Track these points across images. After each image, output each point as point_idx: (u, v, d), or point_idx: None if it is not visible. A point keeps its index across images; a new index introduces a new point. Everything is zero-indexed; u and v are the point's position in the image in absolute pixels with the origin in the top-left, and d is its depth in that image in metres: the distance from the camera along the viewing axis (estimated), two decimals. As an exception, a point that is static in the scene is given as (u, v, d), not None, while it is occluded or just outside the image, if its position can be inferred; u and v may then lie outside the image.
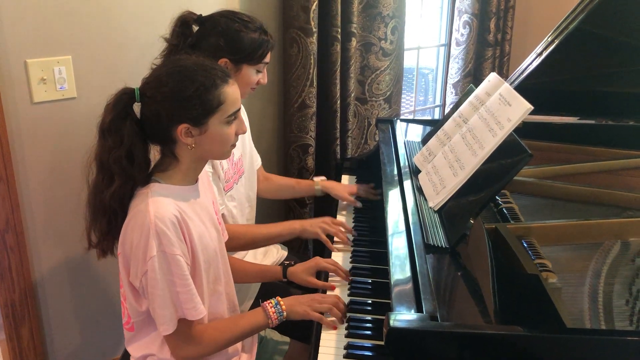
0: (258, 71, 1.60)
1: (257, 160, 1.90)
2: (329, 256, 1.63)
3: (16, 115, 1.69)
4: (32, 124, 1.73)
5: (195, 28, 1.57)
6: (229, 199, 1.67)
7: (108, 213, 1.21)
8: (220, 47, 1.52)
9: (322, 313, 1.33)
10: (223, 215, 1.62)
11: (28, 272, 1.80)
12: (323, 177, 1.98)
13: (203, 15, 1.57)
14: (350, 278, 1.50)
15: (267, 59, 1.60)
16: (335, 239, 1.68)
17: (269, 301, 1.32)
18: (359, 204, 1.88)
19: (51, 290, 1.89)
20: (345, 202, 1.92)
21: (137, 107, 1.21)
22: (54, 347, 1.95)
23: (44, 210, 1.82)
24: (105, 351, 2.08)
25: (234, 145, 1.28)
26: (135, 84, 1.22)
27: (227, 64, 1.53)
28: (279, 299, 1.32)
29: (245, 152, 1.82)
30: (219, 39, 1.52)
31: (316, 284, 1.48)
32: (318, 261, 1.51)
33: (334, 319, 1.32)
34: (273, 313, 1.30)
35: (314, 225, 1.66)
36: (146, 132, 1.21)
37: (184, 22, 1.54)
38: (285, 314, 1.31)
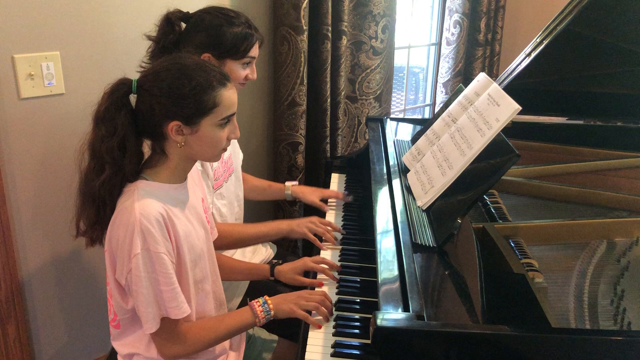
0: (245, 66, 1.59)
1: (241, 158, 1.90)
2: (318, 253, 1.64)
3: (3, 111, 1.68)
4: (19, 119, 1.71)
5: (183, 25, 1.57)
6: (218, 197, 1.67)
7: (97, 202, 1.20)
8: (203, 43, 1.51)
9: (309, 312, 1.33)
10: (212, 214, 1.62)
11: (15, 269, 1.79)
12: (295, 182, 1.99)
13: (190, 12, 1.57)
14: (339, 277, 1.50)
15: (253, 53, 1.58)
16: (324, 237, 1.68)
17: (256, 300, 1.32)
18: (326, 208, 1.88)
19: (38, 288, 1.88)
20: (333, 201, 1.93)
21: (132, 99, 1.21)
22: (41, 345, 1.94)
23: (32, 207, 1.81)
24: (92, 349, 2.07)
25: (224, 149, 1.27)
26: (124, 80, 1.22)
27: (210, 59, 1.52)
28: (267, 297, 1.33)
29: (235, 150, 1.82)
30: (201, 34, 1.52)
31: (303, 282, 1.48)
32: (306, 261, 1.51)
33: (320, 317, 1.32)
34: (261, 312, 1.30)
35: (301, 225, 1.66)
36: (138, 124, 1.20)
37: (168, 19, 1.54)
38: (272, 312, 1.31)
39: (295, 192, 1.94)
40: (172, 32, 1.54)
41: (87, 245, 1.28)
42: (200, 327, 1.27)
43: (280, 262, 1.53)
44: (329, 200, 1.94)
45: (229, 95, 1.21)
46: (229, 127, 1.24)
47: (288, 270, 1.50)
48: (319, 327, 1.30)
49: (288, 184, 1.97)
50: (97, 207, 1.21)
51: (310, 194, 1.92)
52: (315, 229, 1.66)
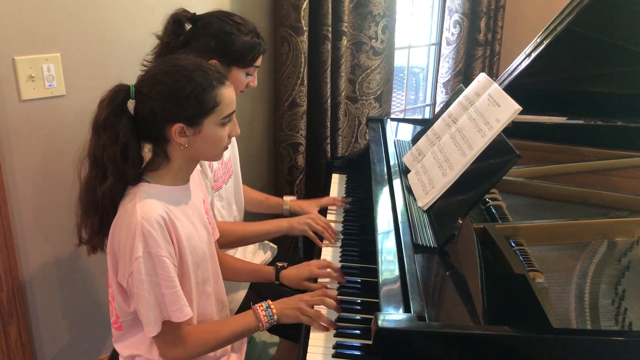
0: (248, 74, 1.59)
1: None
2: (319, 253, 1.64)
3: (4, 113, 1.68)
4: (20, 121, 1.72)
5: (188, 26, 1.57)
6: (217, 198, 1.67)
7: (100, 210, 1.20)
8: (211, 49, 1.51)
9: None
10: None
11: (16, 270, 1.79)
12: (293, 197, 1.96)
13: (197, 14, 1.57)
14: (345, 278, 1.50)
15: (258, 62, 1.59)
16: (323, 235, 1.68)
17: (259, 304, 1.31)
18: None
19: (40, 289, 1.88)
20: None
21: (130, 105, 1.20)
22: (42, 346, 1.94)
23: (33, 208, 1.81)
24: (94, 350, 2.07)
25: (226, 147, 1.27)
26: (125, 81, 1.21)
27: (217, 66, 1.52)
28: (270, 302, 1.31)
29: (235, 153, 1.82)
30: (210, 40, 1.52)
31: (309, 287, 1.47)
32: (311, 268, 1.49)
33: (325, 322, 1.32)
34: (264, 317, 1.29)
35: (301, 223, 1.67)
36: (139, 129, 1.20)
37: (177, 20, 1.53)
38: (276, 317, 1.30)
39: (294, 207, 1.91)
40: (183, 33, 1.54)
41: (89, 253, 1.28)
42: (202, 330, 1.27)
43: (286, 265, 1.53)
44: (329, 207, 1.92)
45: (229, 94, 1.22)
46: (229, 124, 1.25)
47: (293, 276, 1.49)
48: (327, 330, 1.30)
49: (286, 198, 1.94)
50: (100, 215, 1.21)
51: (308, 208, 1.88)
52: (315, 227, 1.67)
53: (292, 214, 1.92)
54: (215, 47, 1.51)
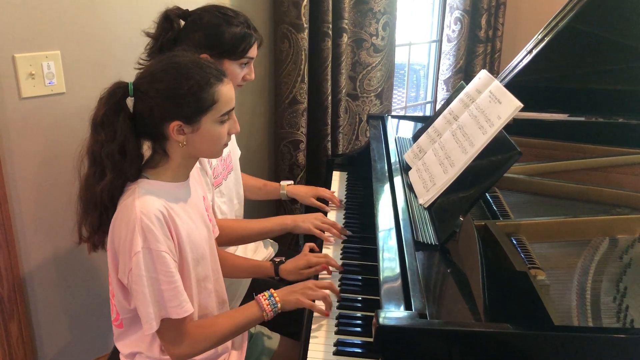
0: (242, 66, 1.58)
1: (239, 155, 1.89)
2: (320, 250, 1.63)
3: (4, 110, 1.68)
4: (20, 119, 1.71)
5: (182, 23, 1.56)
6: (218, 194, 1.67)
7: (99, 207, 1.20)
8: (201, 42, 1.50)
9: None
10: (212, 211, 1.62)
11: (17, 267, 1.79)
12: (290, 182, 1.97)
13: (190, 10, 1.56)
14: (340, 275, 1.50)
15: (251, 53, 1.57)
16: (328, 233, 1.68)
17: (262, 294, 1.31)
18: (328, 209, 1.87)
19: (40, 286, 1.88)
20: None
21: (130, 102, 1.20)
22: (43, 344, 1.94)
23: (33, 206, 1.81)
24: (95, 348, 2.07)
25: (225, 145, 1.27)
26: (125, 79, 1.21)
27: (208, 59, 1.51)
28: (272, 291, 1.31)
29: (234, 148, 1.81)
30: (199, 33, 1.51)
31: (309, 273, 1.48)
32: (309, 258, 1.50)
33: (323, 307, 1.32)
34: (267, 305, 1.29)
35: (306, 221, 1.66)
36: (137, 127, 1.20)
37: (167, 16, 1.53)
38: (279, 305, 1.30)
39: (291, 192, 1.93)
40: (171, 30, 1.53)
41: (89, 251, 1.28)
42: (205, 324, 1.27)
43: (284, 259, 1.53)
44: (330, 203, 1.91)
45: (227, 91, 1.21)
46: (229, 122, 1.25)
47: (291, 269, 1.49)
48: (327, 314, 1.30)
49: (283, 183, 1.95)
50: (99, 212, 1.21)
51: (306, 196, 1.90)
52: (321, 226, 1.66)
53: (289, 198, 1.93)
54: (204, 40, 1.50)
